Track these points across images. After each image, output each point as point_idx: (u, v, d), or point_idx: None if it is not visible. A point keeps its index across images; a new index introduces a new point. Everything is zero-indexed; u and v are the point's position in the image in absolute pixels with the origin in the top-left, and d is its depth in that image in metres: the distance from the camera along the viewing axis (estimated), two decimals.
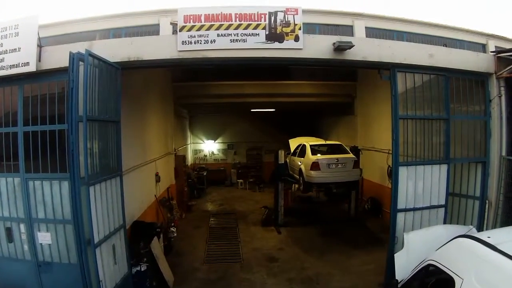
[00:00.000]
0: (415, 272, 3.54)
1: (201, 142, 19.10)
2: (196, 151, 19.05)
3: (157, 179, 9.44)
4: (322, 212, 12.09)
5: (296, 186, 12.61)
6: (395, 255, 4.22)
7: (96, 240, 4.67)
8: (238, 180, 17.69)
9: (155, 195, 9.13)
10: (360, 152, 10.67)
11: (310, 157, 9.16)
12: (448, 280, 3.02)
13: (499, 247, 2.80)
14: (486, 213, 6.59)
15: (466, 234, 3.19)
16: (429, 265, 3.34)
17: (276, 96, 13.28)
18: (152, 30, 13.20)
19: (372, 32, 13.97)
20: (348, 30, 13.73)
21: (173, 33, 5.48)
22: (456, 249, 3.16)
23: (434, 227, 5.22)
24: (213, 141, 19.11)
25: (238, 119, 18.37)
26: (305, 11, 13.38)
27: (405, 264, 4.05)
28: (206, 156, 19.15)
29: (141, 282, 6.00)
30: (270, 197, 12.73)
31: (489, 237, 2.97)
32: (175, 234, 9.17)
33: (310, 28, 13.27)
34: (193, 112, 17.93)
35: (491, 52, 7.13)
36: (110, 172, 5.21)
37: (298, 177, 10.01)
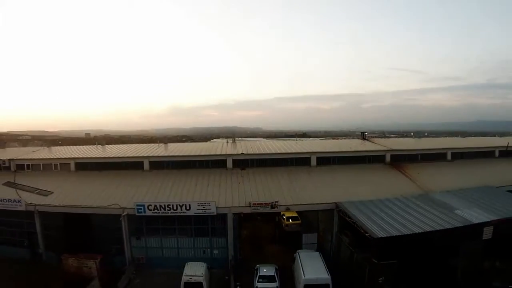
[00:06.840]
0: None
1: None
2: None
3: None
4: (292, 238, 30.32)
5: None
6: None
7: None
8: None
9: None
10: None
11: (285, 221, 27.97)
12: (295, 256, 21.42)
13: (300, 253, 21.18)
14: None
15: (301, 250, 21.58)
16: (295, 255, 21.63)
17: None
18: (223, 163, 31.01)
19: (321, 160, 31.56)
20: (307, 160, 31.54)
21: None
22: (300, 252, 21.74)
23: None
24: None
25: None
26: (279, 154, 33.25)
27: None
28: None
29: None
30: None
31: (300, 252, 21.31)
32: None
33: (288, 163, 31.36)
34: None
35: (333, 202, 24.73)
36: None
37: (282, 226, 28.62)
